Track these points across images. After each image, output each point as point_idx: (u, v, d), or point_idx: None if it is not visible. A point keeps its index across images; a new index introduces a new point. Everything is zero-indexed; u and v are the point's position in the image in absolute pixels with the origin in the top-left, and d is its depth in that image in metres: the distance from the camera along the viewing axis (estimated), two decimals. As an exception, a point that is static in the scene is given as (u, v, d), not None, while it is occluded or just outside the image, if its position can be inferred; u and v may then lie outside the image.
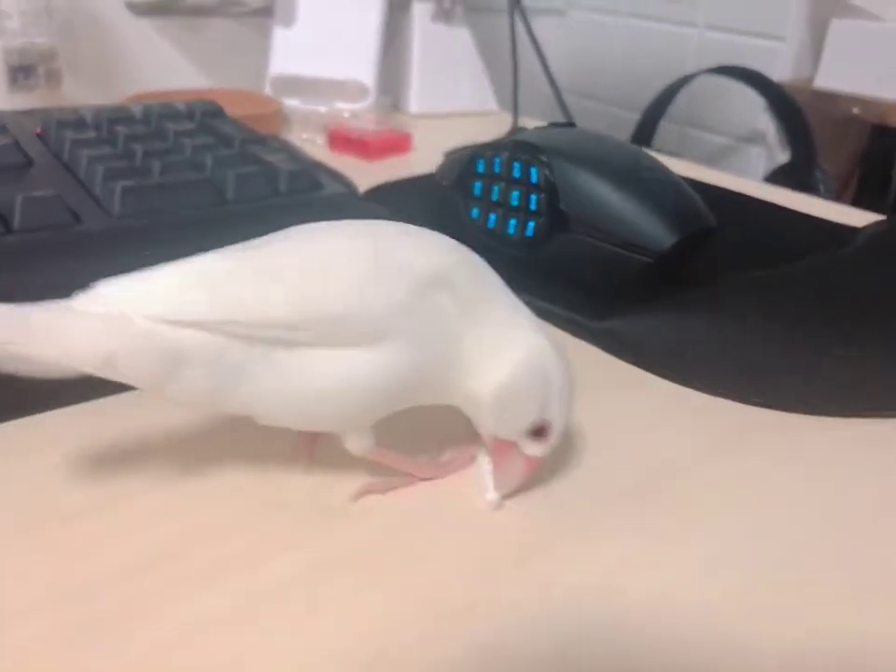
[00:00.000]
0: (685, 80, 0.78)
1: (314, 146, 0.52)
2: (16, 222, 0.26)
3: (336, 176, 0.39)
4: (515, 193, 0.30)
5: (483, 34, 0.68)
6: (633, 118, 0.83)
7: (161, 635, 0.16)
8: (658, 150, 0.59)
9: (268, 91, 0.58)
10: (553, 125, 0.33)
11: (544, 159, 0.29)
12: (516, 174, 0.30)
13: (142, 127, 0.36)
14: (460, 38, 0.68)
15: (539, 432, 0.19)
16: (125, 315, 0.16)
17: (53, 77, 0.45)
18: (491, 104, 0.67)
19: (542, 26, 0.98)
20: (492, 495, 0.20)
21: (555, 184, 0.28)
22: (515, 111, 0.60)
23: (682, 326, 0.28)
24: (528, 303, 0.20)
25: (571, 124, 0.34)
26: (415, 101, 0.64)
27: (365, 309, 0.17)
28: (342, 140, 0.49)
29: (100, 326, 0.16)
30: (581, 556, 0.18)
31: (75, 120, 0.35)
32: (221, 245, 0.19)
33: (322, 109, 0.57)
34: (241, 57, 0.60)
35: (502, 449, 0.19)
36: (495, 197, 0.31)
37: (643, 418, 0.24)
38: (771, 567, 0.18)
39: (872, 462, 0.22)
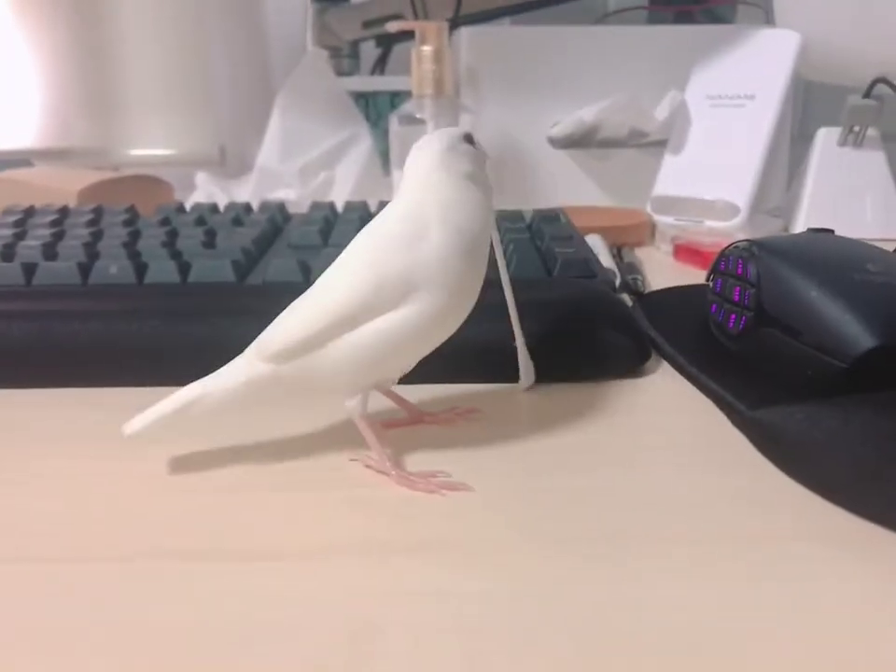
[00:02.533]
0: None
1: (664, 254, 0.57)
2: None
3: (629, 272, 0.44)
4: (737, 289, 0.31)
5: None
6: None
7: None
8: None
9: (648, 208, 0.65)
10: (811, 230, 0.33)
11: (756, 254, 0.30)
12: (738, 270, 0.31)
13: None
14: (870, 164, 0.65)
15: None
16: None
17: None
18: (896, 230, 0.62)
19: None
20: None
21: (761, 279, 0.29)
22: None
23: (849, 425, 0.25)
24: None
25: (829, 230, 0.33)
26: (801, 222, 0.64)
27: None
28: (683, 250, 0.53)
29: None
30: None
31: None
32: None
33: (689, 225, 0.61)
34: (638, 180, 0.68)
35: None
36: (725, 292, 0.33)
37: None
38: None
39: None
